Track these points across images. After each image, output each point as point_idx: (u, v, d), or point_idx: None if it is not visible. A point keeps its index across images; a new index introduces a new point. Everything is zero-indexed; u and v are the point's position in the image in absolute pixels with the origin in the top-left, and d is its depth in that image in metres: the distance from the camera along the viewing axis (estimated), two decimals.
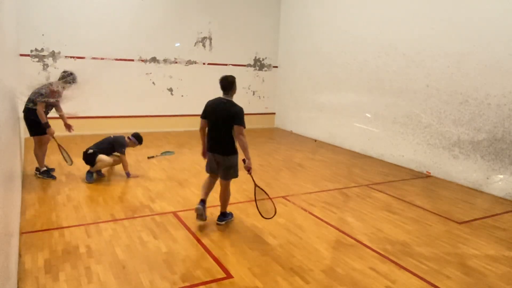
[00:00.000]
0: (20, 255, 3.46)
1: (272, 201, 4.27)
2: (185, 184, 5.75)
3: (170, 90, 9.89)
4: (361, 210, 5.07)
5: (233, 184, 5.74)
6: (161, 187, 5.57)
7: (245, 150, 4.10)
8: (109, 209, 4.67)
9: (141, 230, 4.13)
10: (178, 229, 4.19)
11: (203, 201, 4.28)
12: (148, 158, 7.05)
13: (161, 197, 5.14)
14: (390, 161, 7.83)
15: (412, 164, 7.36)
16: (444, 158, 6.78)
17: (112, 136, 5.97)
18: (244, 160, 4.11)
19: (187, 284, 3.17)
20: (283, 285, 3.23)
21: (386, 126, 7.95)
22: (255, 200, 4.19)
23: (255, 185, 4.25)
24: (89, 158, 5.63)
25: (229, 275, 3.33)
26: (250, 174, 4.19)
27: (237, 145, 4.18)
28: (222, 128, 4.14)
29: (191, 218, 4.48)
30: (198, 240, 3.96)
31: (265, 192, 4.27)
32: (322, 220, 4.66)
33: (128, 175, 5.85)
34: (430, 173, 7.02)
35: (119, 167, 6.13)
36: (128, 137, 6.05)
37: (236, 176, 4.33)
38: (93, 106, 8.91)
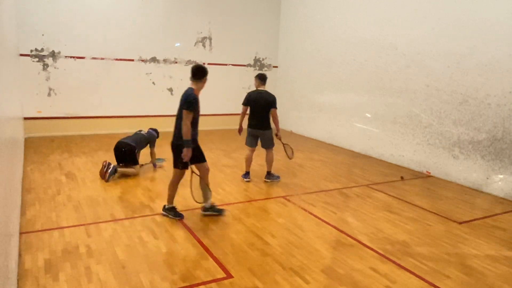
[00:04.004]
0: (20, 255, 3.45)
1: (292, 151, 6.24)
2: (185, 184, 5.73)
3: (170, 90, 9.88)
4: (361, 210, 5.07)
5: (233, 184, 5.76)
6: (161, 187, 5.56)
7: (277, 124, 5.83)
8: (109, 209, 4.67)
9: (141, 230, 4.13)
10: (178, 229, 4.19)
11: (248, 173, 5.90)
12: (140, 166, 6.40)
13: (161, 197, 5.14)
14: (390, 161, 7.83)
15: (412, 164, 7.36)
16: (444, 158, 6.78)
17: (143, 133, 6.40)
18: (276, 134, 5.87)
19: (187, 284, 3.17)
20: (283, 285, 3.23)
21: (386, 126, 7.94)
22: (284, 148, 6.14)
23: (283, 143, 6.13)
24: (129, 154, 5.87)
25: (229, 275, 3.33)
26: (279, 139, 5.95)
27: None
28: (262, 111, 5.67)
29: (191, 218, 4.49)
30: (198, 240, 3.96)
31: (287, 148, 6.14)
32: (322, 220, 4.66)
33: (155, 165, 6.44)
34: (430, 173, 7.02)
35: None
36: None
37: (273, 145, 5.85)
38: (93, 106, 8.92)
